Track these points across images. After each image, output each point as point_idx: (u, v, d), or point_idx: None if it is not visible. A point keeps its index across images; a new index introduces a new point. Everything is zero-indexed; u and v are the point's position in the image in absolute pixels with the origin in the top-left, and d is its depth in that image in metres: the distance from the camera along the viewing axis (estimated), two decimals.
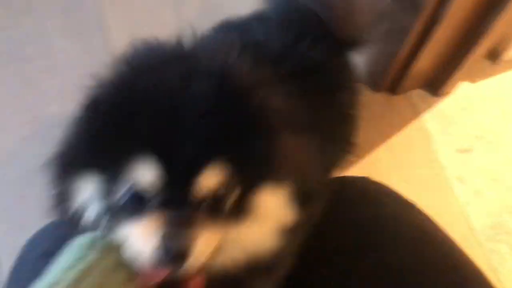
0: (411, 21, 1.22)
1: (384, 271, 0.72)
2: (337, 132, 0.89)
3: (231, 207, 0.48)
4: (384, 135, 1.36)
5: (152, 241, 0.45)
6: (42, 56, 1.45)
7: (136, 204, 0.47)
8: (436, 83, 1.42)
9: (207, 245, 0.46)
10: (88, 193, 0.51)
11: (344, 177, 0.94)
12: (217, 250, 0.49)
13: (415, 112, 1.41)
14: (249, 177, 0.49)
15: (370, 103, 1.39)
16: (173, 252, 0.45)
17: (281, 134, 0.52)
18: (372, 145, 1.34)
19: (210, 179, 0.46)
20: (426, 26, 1.23)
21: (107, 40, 1.48)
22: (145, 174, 0.45)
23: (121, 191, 0.47)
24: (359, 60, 1.35)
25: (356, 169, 1.24)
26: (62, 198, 0.55)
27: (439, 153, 1.34)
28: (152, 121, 0.46)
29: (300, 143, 0.57)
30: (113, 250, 0.49)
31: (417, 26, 1.22)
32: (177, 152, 0.45)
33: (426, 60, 1.33)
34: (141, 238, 0.47)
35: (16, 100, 1.40)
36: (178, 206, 0.46)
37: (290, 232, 0.54)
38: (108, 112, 0.49)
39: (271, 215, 0.52)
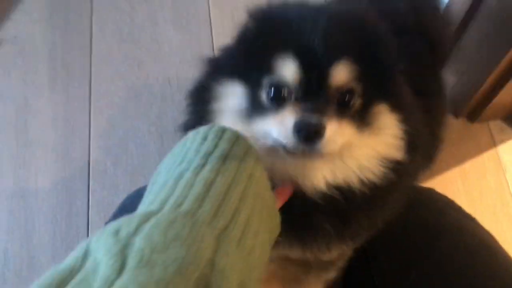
0: (501, 53, 1.26)
1: (444, 272, 0.79)
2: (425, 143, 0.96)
3: (354, 111, 0.57)
4: (458, 160, 1.41)
5: (290, 123, 0.54)
6: (150, 42, 1.60)
7: (277, 100, 0.57)
8: None
9: (336, 133, 0.54)
10: (235, 93, 0.62)
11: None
12: (341, 152, 0.57)
13: (492, 142, 1.44)
14: (371, 89, 0.58)
15: (450, 128, 1.43)
16: (308, 129, 0.53)
17: (400, 74, 0.61)
18: (446, 167, 1.39)
19: (340, 73, 0.56)
20: None
21: (211, 35, 1.61)
22: (287, 69, 0.56)
23: (266, 90, 0.58)
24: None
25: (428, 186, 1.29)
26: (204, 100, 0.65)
27: (511, 185, 1.37)
28: (293, 33, 0.57)
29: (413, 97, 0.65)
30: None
31: (506, 59, 1.26)
32: (313, 52, 0.55)
33: (509, 93, 1.36)
34: (280, 123, 0.56)
35: (122, 76, 1.55)
36: (313, 99, 0.55)
37: (395, 174, 0.61)
38: (261, 28, 0.61)
39: (386, 131, 0.60)
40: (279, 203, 0.60)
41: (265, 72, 0.58)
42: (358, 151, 0.59)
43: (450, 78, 1.43)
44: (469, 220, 0.90)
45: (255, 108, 0.60)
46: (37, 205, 1.38)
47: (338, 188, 0.60)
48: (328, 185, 0.60)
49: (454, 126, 1.45)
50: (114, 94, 1.52)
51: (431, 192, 0.97)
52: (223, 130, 0.56)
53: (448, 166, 1.39)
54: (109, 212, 1.31)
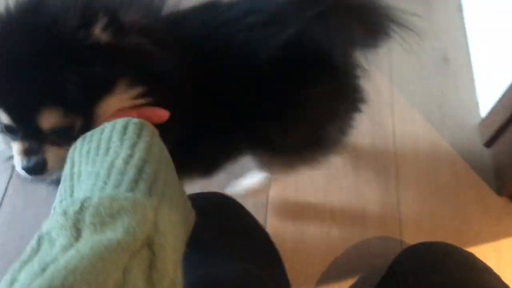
0: None
1: None
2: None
3: (80, 131, 0.66)
4: (495, 236, 1.46)
5: (18, 164, 0.66)
6: None
7: (10, 132, 0.68)
8: None
9: (59, 158, 0.65)
10: None
11: (447, 244, 1.06)
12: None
13: None
14: (83, 112, 0.67)
15: (491, 204, 1.50)
16: (33, 167, 0.64)
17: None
18: (481, 241, 1.44)
19: (47, 120, 0.65)
20: None
21: None
22: (3, 117, 0.65)
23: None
24: (489, 161, 1.47)
25: None
26: None
27: None
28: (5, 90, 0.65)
29: None
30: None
31: None
32: (17, 101, 0.65)
33: None
34: (16, 156, 0.67)
35: None
36: (33, 137, 0.65)
37: None
38: None
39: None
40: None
41: None
42: None
43: (495, 157, 1.50)
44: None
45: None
46: None
47: None
48: None
49: (495, 203, 1.51)
50: None
51: (470, 255, 1.03)
52: (142, 124, 0.63)
53: (483, 240, 1.44)
54: None
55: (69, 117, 0.66)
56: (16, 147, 0.67)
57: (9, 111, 0.64)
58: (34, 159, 0.65)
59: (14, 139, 0.67)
